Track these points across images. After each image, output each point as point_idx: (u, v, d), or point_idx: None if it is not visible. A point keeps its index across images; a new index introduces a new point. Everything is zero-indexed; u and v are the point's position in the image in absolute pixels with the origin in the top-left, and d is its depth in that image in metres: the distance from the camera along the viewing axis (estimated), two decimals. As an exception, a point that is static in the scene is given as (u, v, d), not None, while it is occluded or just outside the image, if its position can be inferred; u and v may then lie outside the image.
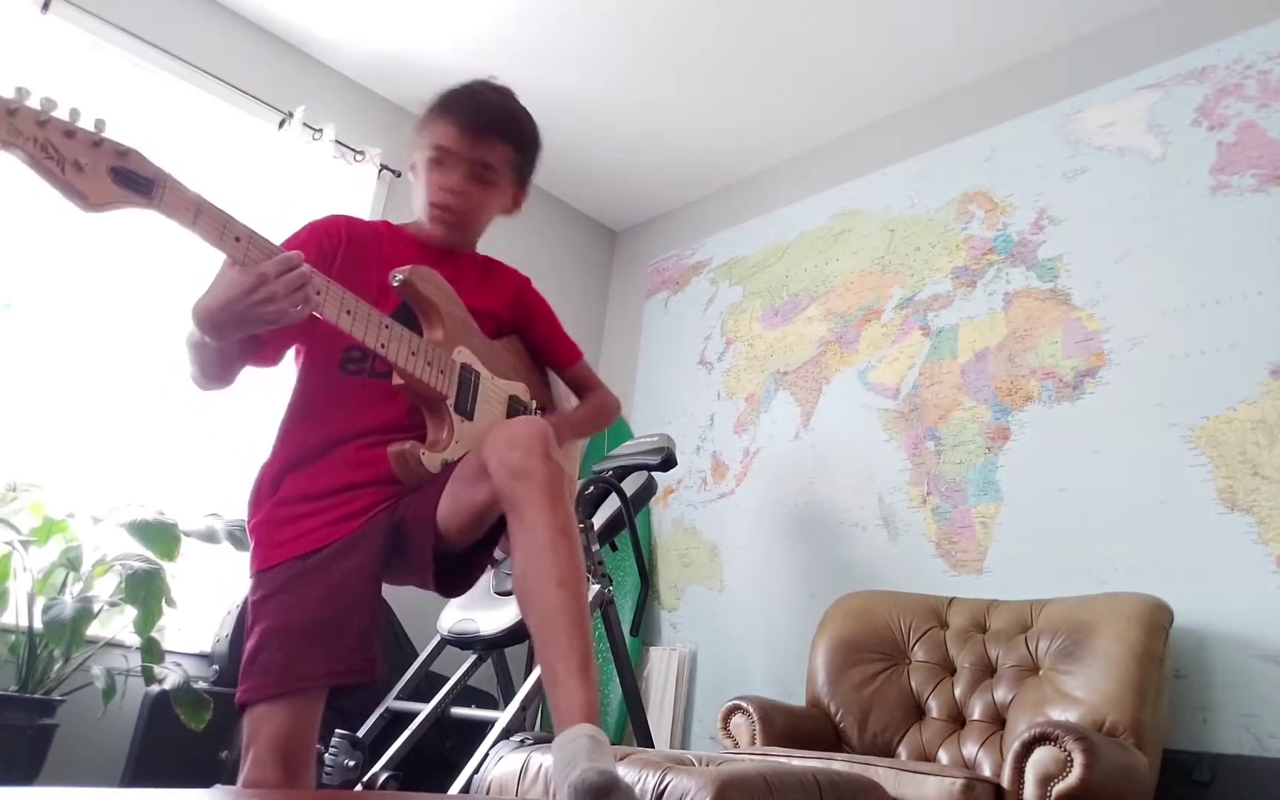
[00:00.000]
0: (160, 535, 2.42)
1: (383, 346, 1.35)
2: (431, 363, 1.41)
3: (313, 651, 1.29)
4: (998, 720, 2.22)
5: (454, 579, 1.43)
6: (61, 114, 1.06)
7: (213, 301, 1.21)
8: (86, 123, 1.08)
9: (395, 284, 1.40)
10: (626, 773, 1.43)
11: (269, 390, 1.55)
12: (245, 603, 1.40)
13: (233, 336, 1.27)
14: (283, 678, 1.28)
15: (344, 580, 1.33)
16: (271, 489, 1.42)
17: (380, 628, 1.36)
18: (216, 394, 1.43)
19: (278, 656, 1.30)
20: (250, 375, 1.45)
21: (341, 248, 1.48)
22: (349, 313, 1.32)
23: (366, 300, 1.35)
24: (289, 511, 1.39)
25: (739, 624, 3.27)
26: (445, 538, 1.35)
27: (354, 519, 1.38)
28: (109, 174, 1.08)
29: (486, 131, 1.52)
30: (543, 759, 1.61)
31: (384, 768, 2.37)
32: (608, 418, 1.75)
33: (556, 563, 1.16)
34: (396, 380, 1.40)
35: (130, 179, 1.10)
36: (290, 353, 1.50)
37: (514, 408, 1.58)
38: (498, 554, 1.47)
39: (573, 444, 1.71)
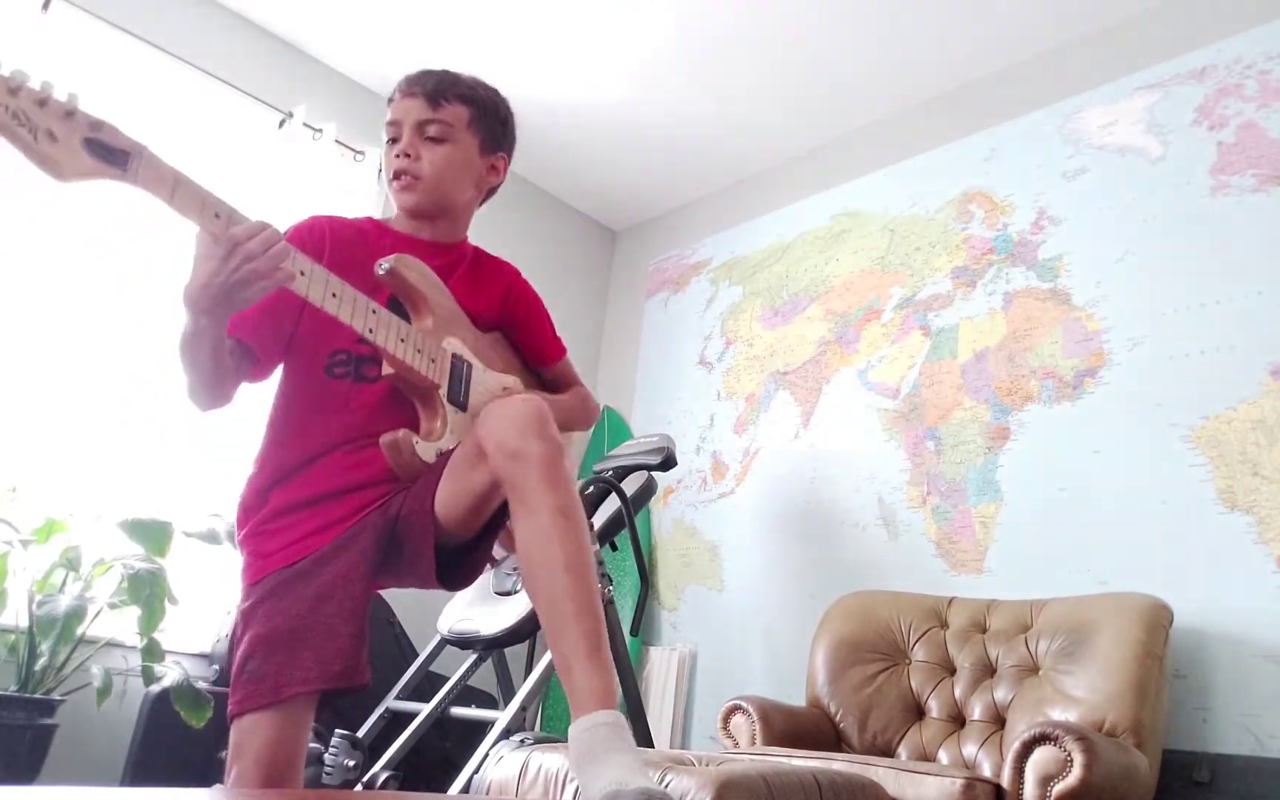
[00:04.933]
0: (152, 533, 2.42)
1: (370, 332, 1.32)
2: (421, 350, 1.38)
3: (302, 655, 1.25)
4: (998, 720, 2.22)
5: (457, 572, 1.39)
6: (34, 85, 1.04)
7: (195, 279, 1.19)
8: (60, 95, 1.06)
9: (381, 273, 1.38)
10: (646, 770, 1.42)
11: (270, 392, 1.54)
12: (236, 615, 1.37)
13: (223, 313, 1.23)
14: (275, 684, 1.25)
15: (334, 582, 1.29)
16: (258, 502, 1.39)
17: (366, 631, 1.32)
18: (216, 412, 1.39)
19: (268, 664, 1.26)
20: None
21: (326, 247, 1.44)
22: (334, 295, 1.28)
23: None
24: (278, 523, 1.36)
25: (739, 624, 3.27)
26: (446, 529, 1.30)
27: (344, 522, 1.35)
28: (82, 145, 1.06)
29: (431, 94, 1.52)
30: (543, 759, 1.61)
31: (384, 768, 2.37)
32: (588, 415, 1.71)
33: (561, 546, 1.12)
34: (386, 369, 1.38)
35: (104, 150, 1.08)
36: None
37: None
38: (497, 553, 1.46)
39: (570, 440, 1.68)
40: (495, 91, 1.62)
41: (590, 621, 1.10)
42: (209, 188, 1.19)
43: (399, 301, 1.43)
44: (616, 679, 1.10)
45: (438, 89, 1.52)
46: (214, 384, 1.33)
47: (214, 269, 1.17)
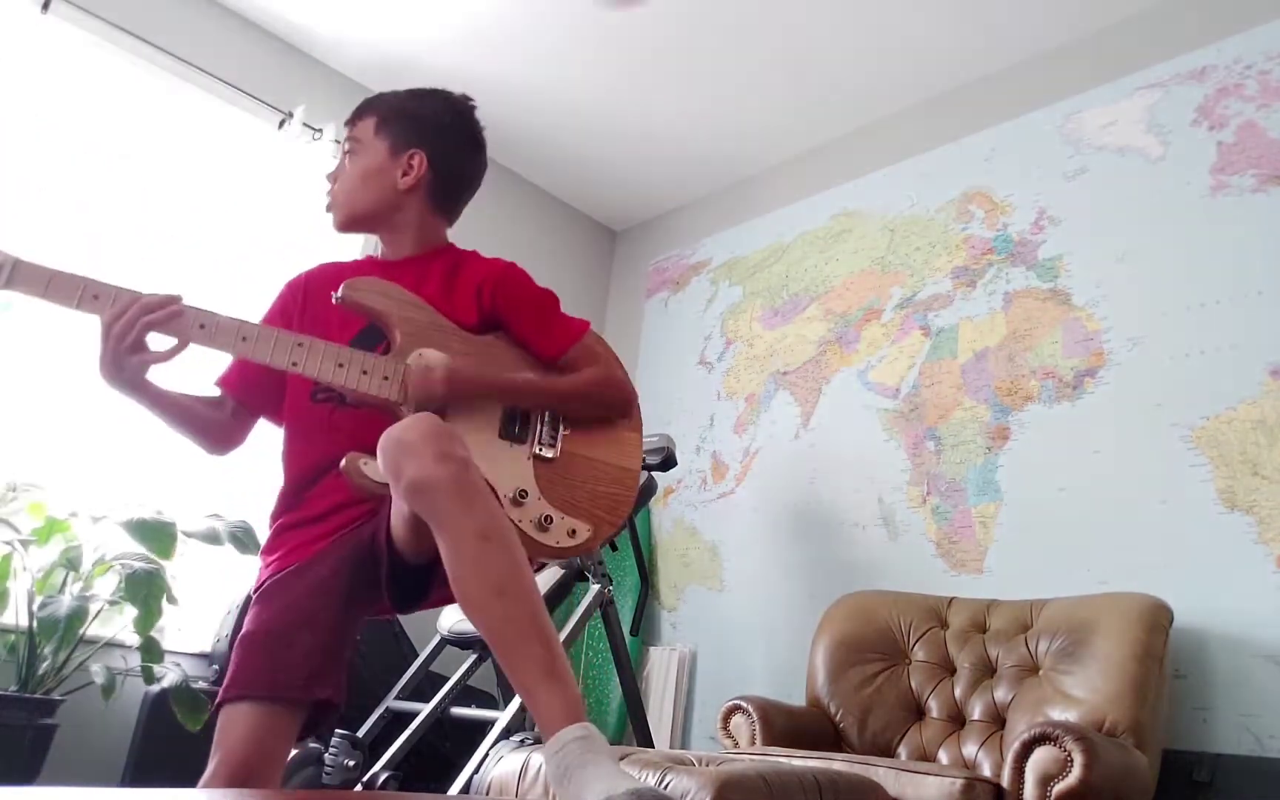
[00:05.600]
0: (157, 534, 2.42)
1: (294, 365, 1.33)
2: (369, 371, 1.35)
3: (260, 660, 1.29)
4: (998, 720, 2.22)
5: (414, 595, 1.34)
6: None
7: (98, 363, 1.28)
8: None
9: (335, 301, 1.39)
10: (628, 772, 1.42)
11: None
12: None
13: (133, 381, 1.32)
14: (232, 682, 1.29)
15: (301, 595, 1.33)
16: (273, 519, 1.46)
17: (340, 649, 1.32)
18: (230, 457, 1.52)
19: (240, 664, 1.31)
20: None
21: (300, 296, 1.50)
22: (244, 339, 1.33)
23: (329, 334, 1.39)
24: (280, 539, 1.42)
25: (739, 624, 3.27)
26: (403, 551, 1.27)
27: (324, 539, 1.38)
28: None
29: (353, 117, 1.62)
30: (543, 759, 1.61)
31: (384, 768, 2.37)
32: (592, 399, 1.46)
33: (489, 571, 1.08)
34: (349, 397, 1.39)
35: None
36: None
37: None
38: None
39: (628, 432, 1.47)
40: (418, 93, 1.62)
41: (537, 644, 1.05)
42: (88, 274, 1.30)
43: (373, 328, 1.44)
44: (577, 687, 1.06)
45: (357, 110, 1.62)
46: (202, 435, 1.46)
47: (102, 349, 1.28)
